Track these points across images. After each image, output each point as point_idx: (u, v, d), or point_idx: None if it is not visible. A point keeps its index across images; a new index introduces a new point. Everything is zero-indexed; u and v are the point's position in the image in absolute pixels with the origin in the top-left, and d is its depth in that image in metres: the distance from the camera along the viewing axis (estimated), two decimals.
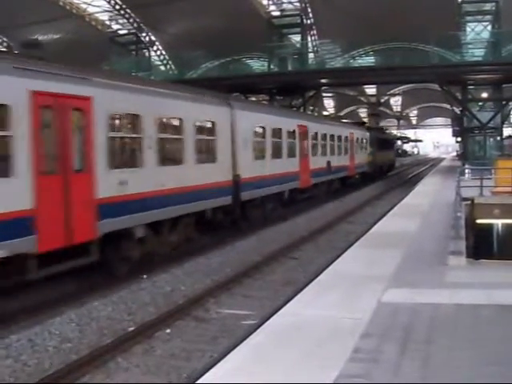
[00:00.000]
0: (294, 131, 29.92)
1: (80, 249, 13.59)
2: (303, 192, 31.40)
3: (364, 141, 50.50)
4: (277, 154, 27.18)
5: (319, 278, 11.97)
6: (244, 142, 22.99)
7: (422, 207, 23.44)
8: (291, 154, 29.25)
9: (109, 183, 14.73)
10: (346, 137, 42.71)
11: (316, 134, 34.09)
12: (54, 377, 9.28)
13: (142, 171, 16.20)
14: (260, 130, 25.57)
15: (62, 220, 13.03)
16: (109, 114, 14.82)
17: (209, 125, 20.72)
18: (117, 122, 15.81)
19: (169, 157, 17.99)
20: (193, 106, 19.39)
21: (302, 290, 11.20)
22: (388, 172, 65.28)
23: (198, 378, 7.24)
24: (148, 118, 16.39)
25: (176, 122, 18.60)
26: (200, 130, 19.78)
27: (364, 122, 73.41)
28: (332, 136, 38.18)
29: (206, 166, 19.95)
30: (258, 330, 8.61)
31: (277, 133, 27.24)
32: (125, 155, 16.34)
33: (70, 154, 13.48)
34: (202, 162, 19.59)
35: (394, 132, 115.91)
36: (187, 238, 19.30)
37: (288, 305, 9.99)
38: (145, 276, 16.04)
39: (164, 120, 17.77)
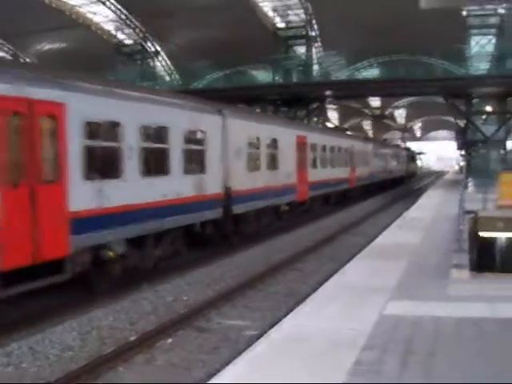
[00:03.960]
0: (291, 142, 29.13)
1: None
2: (301, 205, 30.70)
3: (366, 153, 50.83)
4: (272, 165, 26.40)
5: (321, 289, 11.95)
6: (237, 153, 22.30)
7: (425, 220, 23.43)
8: (288, 166, 28.30)
9: (84, 195, 13.69)
10: (345, 148, 42.45)
11: (315, 145, 34.08)
12: None
13: (122, 182, 15.13)
14: (254, 140, 24.69)
15: (29, 235, 11.97)
16: (85, 121, 13.61)
17: (198, 134, 19.84)
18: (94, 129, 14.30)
19: (152, 167, 16.75)
20: (180, 113, 18.33)
21: (303, 301, 11.18)
22: (413, 177, 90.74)
23: None
24: (130, 125, 15.30)
25: (161, 130, 17.37)
26: (188, 139, 18.84)
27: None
28: (332, 148, 38.44)
29: (193, 177, 19.00)
30: (259, 341, 8.59)
31: (272, 143, 26.57)
32: (103, 165, 14.94)
33: (38, 163, 12.32)
34: (189, 172, 18.59)
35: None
36: (175, 251, 18.36)
37: (289, 316, 9.97)
38: (146, 284, 16.01)
39: (148, 128, 16.56)
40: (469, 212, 21.83)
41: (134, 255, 15.98)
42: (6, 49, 74.75)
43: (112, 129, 15.13)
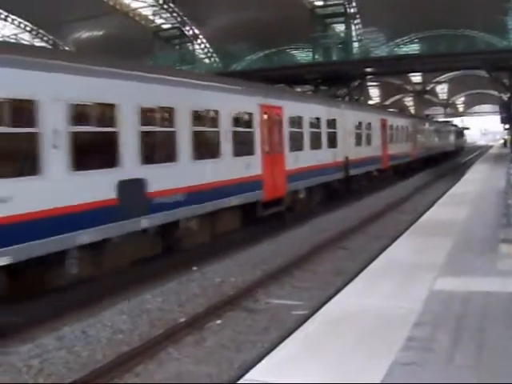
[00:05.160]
0: (378, 124, 37.63)
1: None
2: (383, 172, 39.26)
3: (424, 131, 58.23)
4: (368, 141, 35.62)
5: (370, 267, 11.90)
6: (349, 133, 31.55)
7: (472, 195, 23.18)
8: (376, 142, 37.48)
9: (291, 160, 23.52)
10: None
11: (391, 126, 41.52)
12: (107, 367, 9.39)
13: (307, 152, 25.46)
14: (357, 124, 33.57)
15: (273, 181, 21.48)
16: (309, 119, 20.22)
17: (332, 121, 29.07)
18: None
19: (317, 143, 26.94)
20: (330, 110, 29.20)
21: (351, 280, 11.15)
22: (461, 151, 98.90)
23: (249, 369, 7.23)
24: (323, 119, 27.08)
25: (331, 122, 29.01)
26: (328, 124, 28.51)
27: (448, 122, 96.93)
28: (402, 127, 46.20)
29: (332, 150, 28.63)
30: (310, 320, 8.57)
31: (367, 126, 35.05)
32: (299, 142, 24.54)
33: (276, 142, 22.32)
34: (329, 147, 28.32)
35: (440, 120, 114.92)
36: (327, 196, 28.94)
37: (339, 295, 9.94)
38: (195, 268, 16.13)
39: (315, 120, 26.96)
40: None
41: (309, 199, 25.98)
42: (46, 38, 75.49)
43: (318, 122, 27.18)
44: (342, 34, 60.65)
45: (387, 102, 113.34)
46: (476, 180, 30.42)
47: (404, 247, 13.89)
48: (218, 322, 11.93)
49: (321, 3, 61.96)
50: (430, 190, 36.18)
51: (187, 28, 71.52)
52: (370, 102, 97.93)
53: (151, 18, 71.16)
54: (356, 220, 23.73)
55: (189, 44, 72.99)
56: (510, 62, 45.66)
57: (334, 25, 62.61)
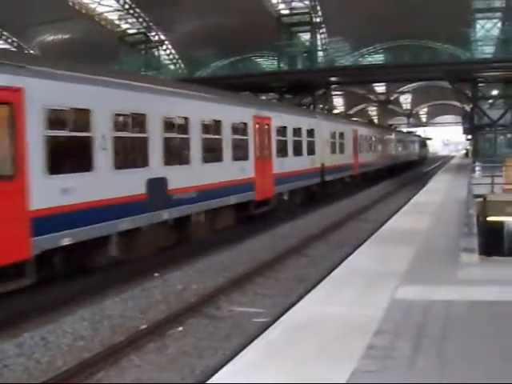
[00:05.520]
0: (350, 135, 39.58)
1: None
2: (355, 178, 41.38)
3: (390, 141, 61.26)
4: (341, 150, 37.34)
5: (332, 274, 11.96)
6: (325, 142, 34.17)
7: (434, 204, 23.41)
8: (349, 151, 38.82)
9: (279, 165, 25.38)
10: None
11: (362, 136, 42.55)
12: (67, 374, 9.29)
13: (292, 159, 27.50)
14: (333, 133, 36.25)
15: (262, 184, 22.08)
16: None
17: (311, 131, 31.74)
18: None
19: (299, 151, 29.24)
20: (310, 121, 32.14)
21: (314, 287, 11.19)
22: (424, 160, 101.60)
23: (211, 376, 7.22)
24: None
25: (311, 132, 31.39)
26: (308, 133, 31.23)
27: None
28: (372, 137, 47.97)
29: (310, 157, 30.80)
30: (272, 327, 8.59)
31: (340, 135, 36.45)
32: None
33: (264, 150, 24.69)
34: (309, 154, 30.77)
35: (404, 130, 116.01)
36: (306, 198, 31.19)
37: (301, 302, 9.97)
38: (156, 274, 16.06)
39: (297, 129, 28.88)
40: (477, 196, 21.92)
41: (291, 201, 28.05)
42: (10, 41, 74.75)
43: (299, 132, 29.64)
44: (308, 43, 60.90)
45: (351, 112, 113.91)
46: (438, 189, 30.74)
47: (366, 255, 14.00)
48: (180, 328, 11.88)
49: (287, 12, 62.21)
50: (393, 198, 36.47)
51: (153, 33, 71.30)
52: (335, 111, 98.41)
53: (117, 22, 70.85)
54: (319, 227, 23.79)
55: (154, 49, 72.73)
56: (472, 73, 46.25)
57: (300, 33, 62.84)
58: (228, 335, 11.50)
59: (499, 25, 53.61)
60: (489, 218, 21.78)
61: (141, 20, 69.47)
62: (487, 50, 52.41)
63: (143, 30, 70.56)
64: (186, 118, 18.45)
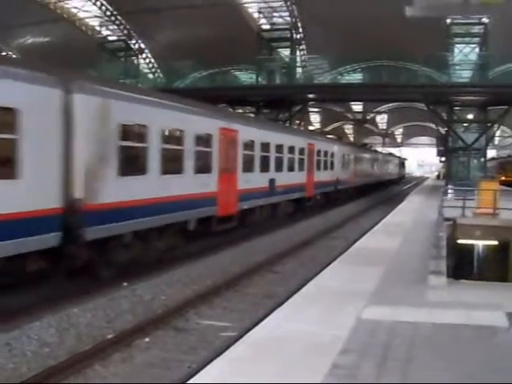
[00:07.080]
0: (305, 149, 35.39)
1: None
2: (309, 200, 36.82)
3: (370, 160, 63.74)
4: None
5: (299, 292, 12.00)
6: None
7: (405, 225, 23.53)
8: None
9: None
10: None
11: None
12: (31, 381, 9.23)
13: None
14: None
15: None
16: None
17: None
18: None
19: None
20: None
21: (282, 303, 11.22)
22: (402, 179, 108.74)
23: None
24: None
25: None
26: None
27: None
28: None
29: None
30: (238, 343, 8.61)
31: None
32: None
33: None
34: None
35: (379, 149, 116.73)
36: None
37: (268, 318, 10.00)
38: (125, 284, 16.00)
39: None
40: (448, 219, 22.11)
41: (259, 217, 27.85)
42: None
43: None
44: (287, 59, 61.07)
45: (327, 129, 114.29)
46: (410, 210, 30.92)
47: (335, 274, 14.04)
48: (147, 339, 11.86)
49: (268, 27, 62.40)
50: (365, 218, 36.62)
51: (133, 41, 71.12)
52: (311, 128, 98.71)
53: (98, 28, 70.57)
54: (288, 244, 23.85)
55: (134, 58, 72.51)
56: (449, 96, 46.62)
57: (280, 49, 62.97)
58: (195, 348, 11.51)
59: (477, 50, 54.13)
60: (459, 241, 21.98)
61: (122, 27, 69.27)
62: (464, 74, 52.83)
63: (124, 38, 70.37)
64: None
